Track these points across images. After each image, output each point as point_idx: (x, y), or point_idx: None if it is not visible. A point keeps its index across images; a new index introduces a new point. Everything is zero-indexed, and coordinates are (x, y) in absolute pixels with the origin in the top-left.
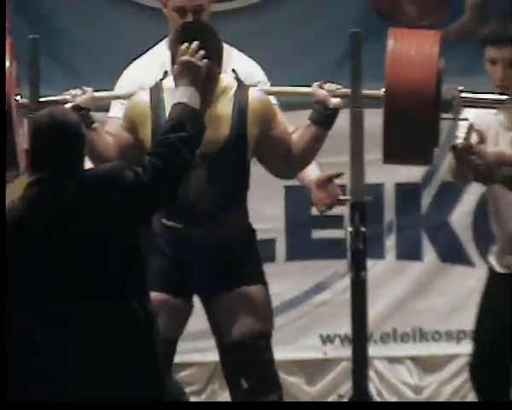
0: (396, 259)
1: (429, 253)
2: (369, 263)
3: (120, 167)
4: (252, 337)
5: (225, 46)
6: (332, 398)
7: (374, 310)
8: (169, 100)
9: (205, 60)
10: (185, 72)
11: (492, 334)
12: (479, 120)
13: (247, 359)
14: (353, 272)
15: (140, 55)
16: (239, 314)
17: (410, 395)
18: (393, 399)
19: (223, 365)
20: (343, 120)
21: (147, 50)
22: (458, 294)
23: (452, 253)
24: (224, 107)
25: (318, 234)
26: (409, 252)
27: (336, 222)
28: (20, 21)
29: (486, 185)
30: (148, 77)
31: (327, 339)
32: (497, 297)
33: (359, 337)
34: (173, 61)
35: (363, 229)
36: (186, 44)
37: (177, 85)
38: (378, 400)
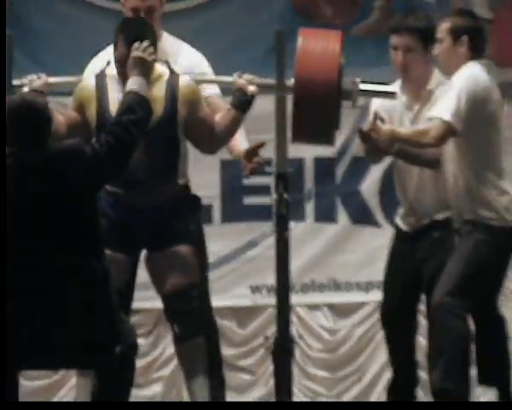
0: (314, 221)
1: (343, 216)
2: (292, 224)
3: (81, 144)
4: (180, 289)
5: (176, 40)
6: (259, 340)
7: (295, 264)
8: (111, 85)
9: (153, 55)
10: (137, 65)
11: (399, 282)
12: (384, 103)
13: (177, 307)
14: (278, 232)
15: (102, 50)
16: (170, 270)
17: (327, 337)
18: (312, 340)
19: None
20: (268, 104)
21: (107, 46)
22: (367, 251)
23: (362, 216)
24: (159, 91)
25: (249, 200)
26: (325, 215)
27: (264, 190)
28: None
29: (385, 157)
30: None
31: (256, 289)
32: (402, 251)
33: (283, 287)
34: (115, 51)
35: (286, 196)
36: (138, 42)
37: (129, 75)
38: (299, 341)
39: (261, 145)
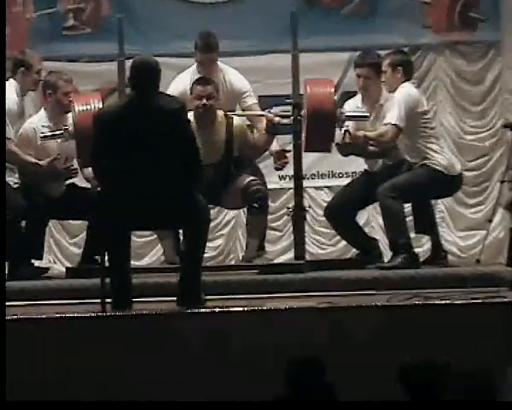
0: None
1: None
2: None
3: (183, 101)
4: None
5: (227, 68)
6: (284, 209)
7: (306, 162)
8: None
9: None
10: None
11: (355, 187)
12: (353, 110)
13: (256, 190)
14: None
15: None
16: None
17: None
18: (317, 209)
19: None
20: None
21: (181, 72)
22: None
23: None
24: (221, 128)
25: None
26: None
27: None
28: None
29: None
30: (184, 87)
31: (282, 178)
32: (365, 176)
33: (299, 176)
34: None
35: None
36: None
37: None
38: (309, 210)
39: (286, 151)
